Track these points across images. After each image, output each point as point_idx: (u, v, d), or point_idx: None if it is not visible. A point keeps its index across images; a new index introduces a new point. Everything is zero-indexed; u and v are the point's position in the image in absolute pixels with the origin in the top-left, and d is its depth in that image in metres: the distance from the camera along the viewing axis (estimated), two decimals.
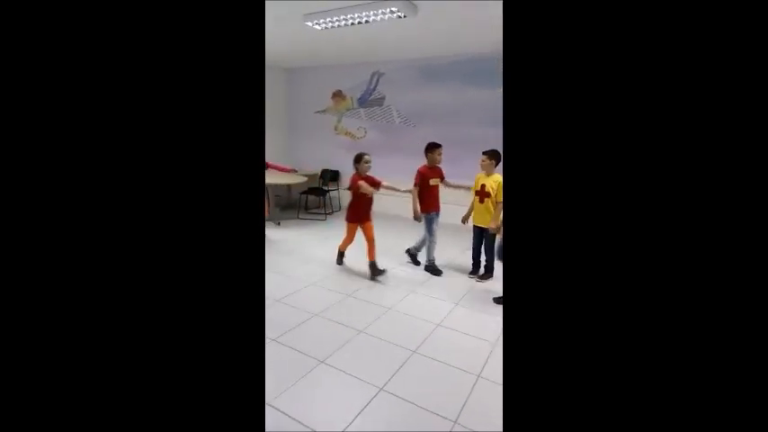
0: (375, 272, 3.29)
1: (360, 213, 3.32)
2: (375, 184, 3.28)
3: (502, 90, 4.51)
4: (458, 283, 3.24)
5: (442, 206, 3.48)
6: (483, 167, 3.19)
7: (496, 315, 2.67)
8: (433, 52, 4.90)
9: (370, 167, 3.26)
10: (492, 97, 4.69)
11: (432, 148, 3.35)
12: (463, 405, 1.78)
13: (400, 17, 3.38)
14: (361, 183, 3.16)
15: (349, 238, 3.46)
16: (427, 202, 3.35)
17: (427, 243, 3.47)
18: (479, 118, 4.84)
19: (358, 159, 3.26)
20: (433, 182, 3.36)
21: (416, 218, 3.33)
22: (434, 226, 3.41)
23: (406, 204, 3.47)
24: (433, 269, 3.46)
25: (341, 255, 3.61)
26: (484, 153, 3.19)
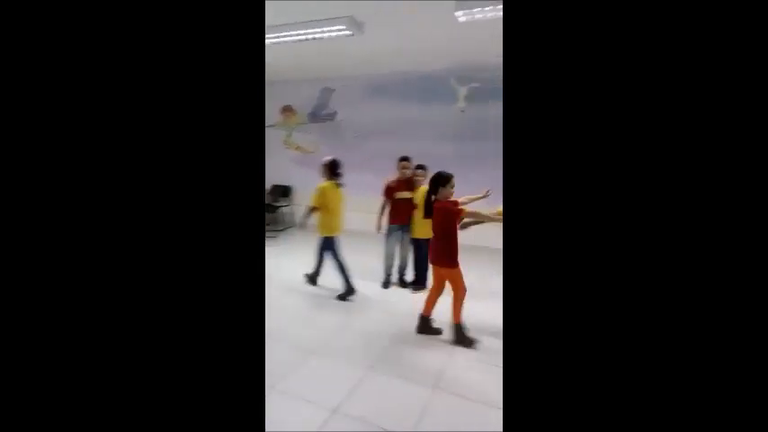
0: (463, 339, 2.44)
1: (456, 251, 2.43)
2: (457, 213, 2.35)
3: (458, 106, 4.79)
4: (405, 297, 3.25)
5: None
6: (416, 182, 3.26)
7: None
8: (386, 69, 5.01)
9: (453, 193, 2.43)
10: (449, 114, 4.85)
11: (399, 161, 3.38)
12: (420, 418, 1.77)
13: (348, 35, 3.42)
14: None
15: (440, 290, 2.51)
16: (390, 214, 3.36)
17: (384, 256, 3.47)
18: (437, 134, 4.96)
19: (444, 181, 2.37)
20: (399, 195, 3.32)
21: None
22: (393, 240, 3.39)
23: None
24: (385, 283, 3.47)
25: (427, 321, 2.58)
26: (417, 167, 3.27)
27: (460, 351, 2.38)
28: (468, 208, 2.40)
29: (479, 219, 2.40)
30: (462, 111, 4.69)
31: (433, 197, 2.44)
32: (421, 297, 3.15)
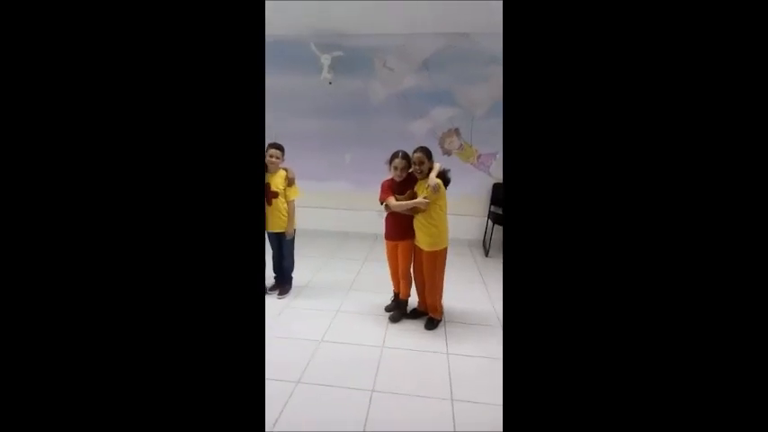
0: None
1: (390, 227, 2.51)
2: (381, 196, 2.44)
3: (324, 77, 4.25)
4: (266, 303, 2.73)
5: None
6: (270, 164, 2.69)
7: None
8: None
9: (396, 173, 2.34)
10: (311, 85, 4.25)
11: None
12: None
13: None
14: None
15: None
16: None
17: None
18: (298, 109, 4.37)
19: (391, 159, 2.37)
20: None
21: None
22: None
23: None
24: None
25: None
26: (270, 146, 2.71)
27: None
28: (391, 201, 2.33)
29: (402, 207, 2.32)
30: (330, 83, 4.18)
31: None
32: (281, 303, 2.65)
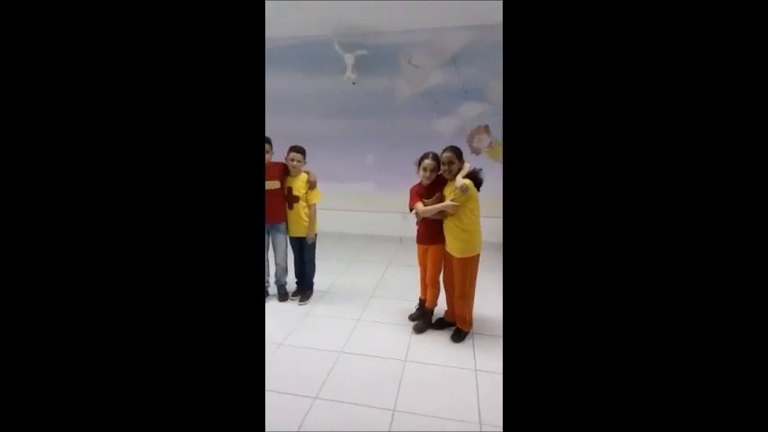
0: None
1: (421, 232, 2.38)
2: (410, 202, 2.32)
3: (347, 77, 4.16)
4: (286, 310, 2.67)
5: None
6: (291, 167, 2.62)
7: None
8: (267, 33, 4.12)
9: (425, 175, 2.20)
10: (335, 85, 4.18)
11: None
12: None
13: None
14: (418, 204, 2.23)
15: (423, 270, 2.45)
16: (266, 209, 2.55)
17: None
18: (324, 110, 4.31)
19: (419, 162, 2.25)
20: (268, 185, 2.57)
21: None
22: (269, 240, 2.73)
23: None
24: (279, 293, 2.83)
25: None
26: (292, 149, 2.63)
27: None
28: (419, 207, 2.22)
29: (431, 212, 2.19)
30: (354, 83, 4.09)
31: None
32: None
